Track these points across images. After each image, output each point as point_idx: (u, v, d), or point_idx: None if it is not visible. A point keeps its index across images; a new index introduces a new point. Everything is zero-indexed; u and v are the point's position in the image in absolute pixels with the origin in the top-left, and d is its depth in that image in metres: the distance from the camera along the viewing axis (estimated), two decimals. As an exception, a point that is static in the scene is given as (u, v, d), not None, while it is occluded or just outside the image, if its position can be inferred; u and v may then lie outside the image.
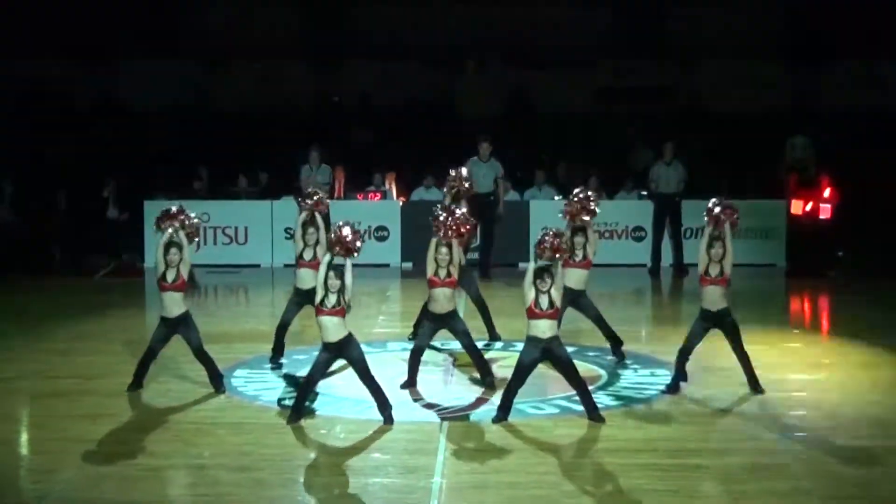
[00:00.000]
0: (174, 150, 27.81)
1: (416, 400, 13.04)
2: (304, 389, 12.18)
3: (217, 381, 13.26)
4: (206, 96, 29.53)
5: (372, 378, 12.09)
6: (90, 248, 24.32)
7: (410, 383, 13.44)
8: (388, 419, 12.00)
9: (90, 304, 19.62)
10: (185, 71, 29.77)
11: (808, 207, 24.18)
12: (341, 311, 11.85)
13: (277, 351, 14.67)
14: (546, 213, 23.68)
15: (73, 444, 11.29)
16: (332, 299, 11.82)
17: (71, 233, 24.58)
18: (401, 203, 24.42)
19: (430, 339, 13.62)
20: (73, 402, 12.97)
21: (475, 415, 12.47)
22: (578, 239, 14.31)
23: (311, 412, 12.27)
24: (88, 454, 11.02)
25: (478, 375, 13.68)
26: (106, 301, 19.92)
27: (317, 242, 14.18)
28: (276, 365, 14.55)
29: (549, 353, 12.03)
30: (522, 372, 12.07)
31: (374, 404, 12.08)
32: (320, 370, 12.12)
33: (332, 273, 11.86)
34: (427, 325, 13.50)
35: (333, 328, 11.85)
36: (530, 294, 11.86)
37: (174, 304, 12.98)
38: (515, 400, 12.19)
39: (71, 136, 27.72)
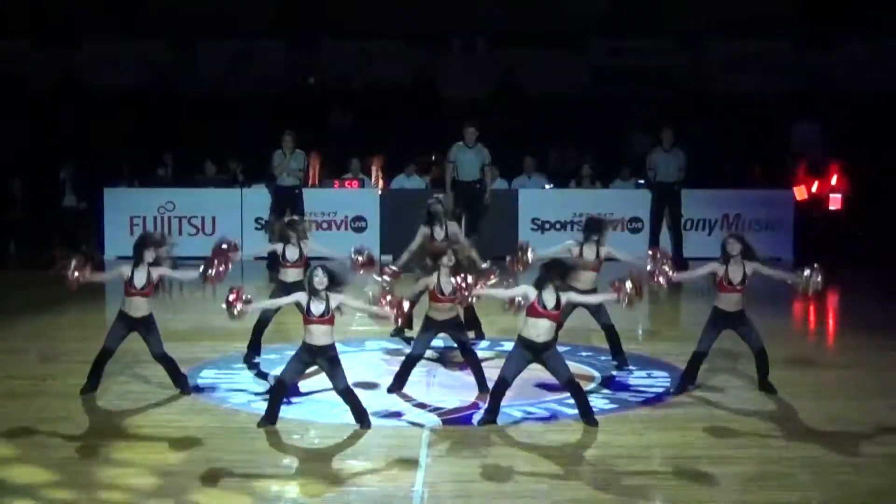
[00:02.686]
0: (137, 134, 27.70)
1: (396, 403, 12.99)
2: (277, 392, 12.11)
3: (181, 381, 13.17)
4: (171, 77, 29.41)
5: (351, 393, 12.03)
6: (47, 239, 24.23)
7: (397, 388, 13.37)
8: (365, 424, 11.94)
9: (46, 299, 19.50)
10: (149, 50, 29.63)
11: (814, 189, 24.24)
12: (330, 319, 11.80)
13: (253, 349, 14.62)
14: (536, 202, 23.69)
15: (27, 450, 11.20)
16: (320, 307, 11.77)
17: (27, 223, 24.50)
18: (379, 192, 24.36)
19: (427, 346, 13.53)
20: (27, 404, 12.88)
21: (460, 419, 12.42)
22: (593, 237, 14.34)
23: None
24: (43, 461, 10.91)
25: (461, 375, 13.64)
26: (62, 296, 19.78)
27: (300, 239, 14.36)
28: (251, 364, 14.50)
29: (540, 359, 11.97)
30: (511, 372, 12.01)
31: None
32: (296, 373, 12.05)
33: (318, 272, 11.82)
34: (426, 331, 13.39)
35: (321, 335, 11.80)
36: (531, 292, 11.81)
37: (139, 307, 12.90)
38: (503, 403, 12.14)
39: (27, 120, 27.58)
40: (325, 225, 23.56)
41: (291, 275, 14.23)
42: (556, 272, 11.84)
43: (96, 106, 28.35)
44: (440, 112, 28.33)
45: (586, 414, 12.06)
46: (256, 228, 23.36)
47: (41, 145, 26.75)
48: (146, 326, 12.97)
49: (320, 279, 11.77)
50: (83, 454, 11.17)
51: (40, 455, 11.08)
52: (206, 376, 13.97)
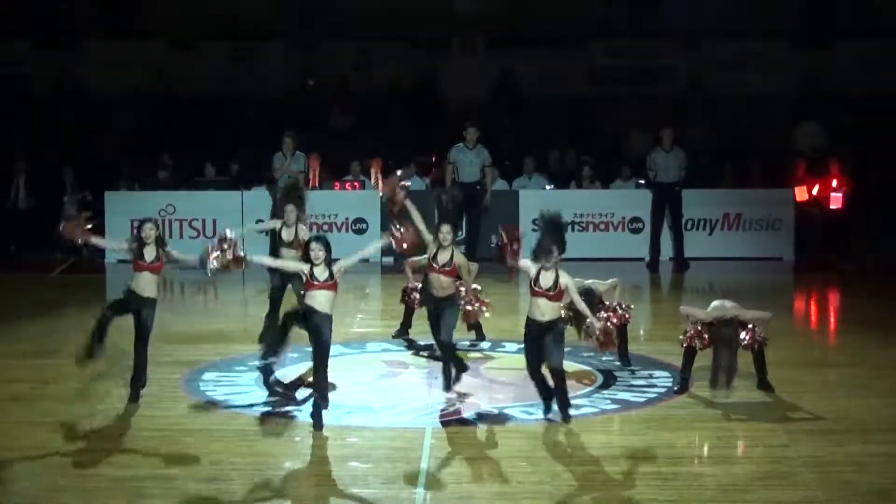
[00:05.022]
0: (137, 136, 27.67)
1: (398, 404, 12.99)
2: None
3: (138, 384, 13.04)
4: (171, 79, 29.37)
5: (325, 368, 12.03)
6: (47, 242, 24.22)
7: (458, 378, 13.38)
8: (318, 424, 11.93)
9: (47, 302, 19.52)
10: (149, 52, 29.59)
11: (815, 191, 24.24)
12: (334, 285, 11.85)
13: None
14: (537, 203, 23.66)
15: (29, 453, 11.21)
16: (324, 273, 11.83)
17: (27, 226, 24.47)
18: (380, 193, 24.32)
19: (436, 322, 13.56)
20: (29, 407, 12.89)
21: (462, 420, 12.42)
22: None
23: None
24: (45, 464, 10.94)
25: (464, 377, 13.66)
26: (64, 299, 19.81)
27: (297, 220, 14.29)
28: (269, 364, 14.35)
29: (543, 340, 11.99)
30: (536, 363, 12.03)
31: (352, 408, 12.05)
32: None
33: (314, 244, 11.89)
34: (432, 312, 13.45)
35: (324, 301, 11.83)
36: (532, 268, 11.87)
37: (148, 285, 12.79)
38: (504, 405, 12.19)
39: (26, 123, 27.56)
40: (325, 227, 23.53)
41: (288, 256, 14.15)
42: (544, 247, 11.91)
43: (96, 108, 28.31)
44: (440, 113, 28.30)
45: (564, 407, 12.11)
46: (257, 231, 23.31)
47: (41, 147, 26.69)
48: (147, 311, 12.82)
49: (316, 254, 11.85)
50: (85, 457, 11.16)
51: (43, 458, 11.09)
52: (208, 378, 13.97)
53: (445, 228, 13.23)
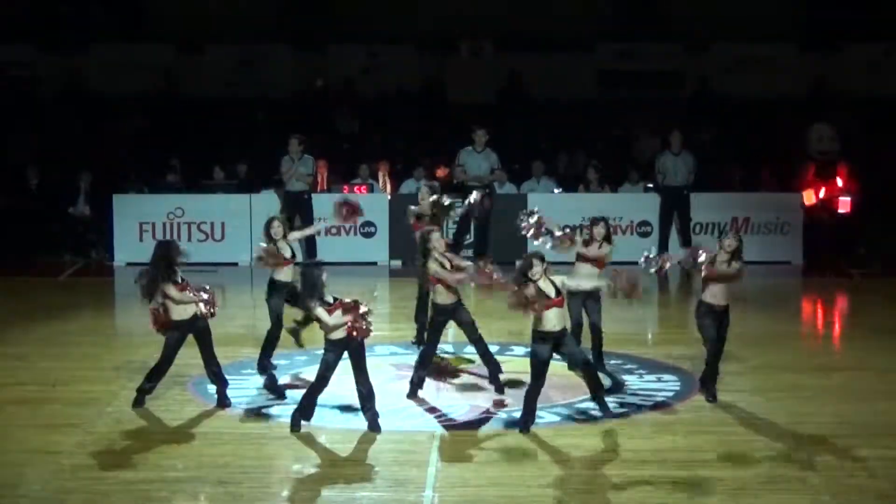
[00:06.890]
0: (145, 139, 27.70)
1: (406, 408, 13.01)
2: (313, 392, 12.10)
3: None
4: (179, 82, 29.41)
5: (367, 377, 12.09)
6: (56, 244, 24.27)
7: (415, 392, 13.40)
8: (374, 425, 11.97)
9: (56, 305, 19.55)
10: (156, 55, 29.63)
11: (822, 194, 24.23)
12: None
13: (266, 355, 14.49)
14: (545, 206, 23.66)
15: (37, 457, 11.25)
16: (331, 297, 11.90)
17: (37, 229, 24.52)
18: (388, 197, 24.35)
19: (440, 336, 13.60)
20: (37, 410, 12.91)
21: (470, 424, 12.44)
22: (599, 229, 14.40)
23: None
24: (53, 467, 10.98)
25: (472, 380, 13.68)
26: (72, 302, 19.85)
27: (284, 236, 14.22)
28: (266, 367, 14.30)
29: (558, 349, 12.00)
30: (541, 371, 12.01)
31: (360, 411, 12.07)
32: (332, 369, 12.07)
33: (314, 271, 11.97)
34: (435, 321, 13.46)
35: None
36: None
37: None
38: (512, 408, 12.18)
39: (34, 126, 27.59)
40: (333, 230, 23.54)
41: (283, 273, 14.10)
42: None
43: (103, 111, 28.34)
44: (448, 116, 28.29)
45: (600, 399, 12.18)
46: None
47: (48, 151, 26.71)
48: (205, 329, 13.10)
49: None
50: (93, 460, 11.20)
51: (51, 461, 11.12)
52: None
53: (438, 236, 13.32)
